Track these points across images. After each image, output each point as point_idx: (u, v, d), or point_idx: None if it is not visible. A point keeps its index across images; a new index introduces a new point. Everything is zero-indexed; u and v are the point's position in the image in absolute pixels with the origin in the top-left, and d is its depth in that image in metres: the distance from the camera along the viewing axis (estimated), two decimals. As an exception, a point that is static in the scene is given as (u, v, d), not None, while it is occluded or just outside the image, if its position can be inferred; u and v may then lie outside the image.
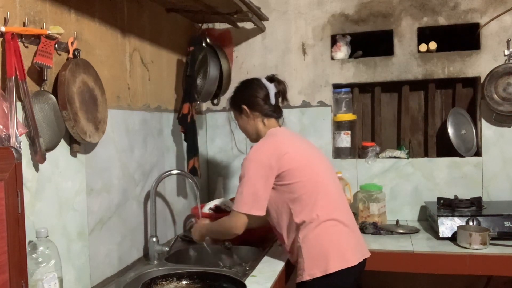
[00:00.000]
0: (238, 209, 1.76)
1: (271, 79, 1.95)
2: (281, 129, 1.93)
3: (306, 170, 1.79)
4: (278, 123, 1.95)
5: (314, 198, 1.76)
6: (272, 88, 1.92)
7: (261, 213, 1.77)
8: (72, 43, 1.52)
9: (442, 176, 2.56)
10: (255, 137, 1.95)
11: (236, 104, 1.96)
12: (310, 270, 1.72)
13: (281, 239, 1.86)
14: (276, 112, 1.93)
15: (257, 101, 1.90)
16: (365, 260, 1.83)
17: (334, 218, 1.77)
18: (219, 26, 2.77)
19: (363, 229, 2.32)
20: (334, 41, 2.70)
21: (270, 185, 1.77)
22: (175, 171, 2.09)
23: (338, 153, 2.70)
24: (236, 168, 2.82)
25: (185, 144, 2.35)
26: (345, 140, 2.67)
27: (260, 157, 1.77)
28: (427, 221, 2.50)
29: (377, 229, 2.34)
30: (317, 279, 1.71)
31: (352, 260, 1.75)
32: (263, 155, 1.77)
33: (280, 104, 1.98)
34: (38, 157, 1.37)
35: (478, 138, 2.56)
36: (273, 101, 1.92)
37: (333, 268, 1.70)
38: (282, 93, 1.96)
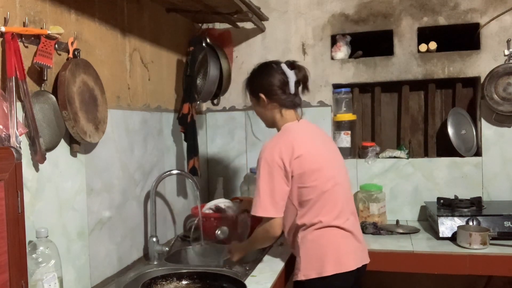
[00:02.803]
0: (257, 214, 1.73)
1: (292, 65, 1.83)
2: (298, 125, 1.83)
3: (316, 175, 1.73)
4: (296, 115, 1.86)
5: (320, 205, 1.73)
6: (292, 76, 1.80)
7: (279, 214, 1.74)
8: (72, 43, 1.52)
9: (442, 176, 2.56)
10: (270, 124, 1.89)
11: (253, 90, 1.87)
12: (305, 271, 1.72)
13: (284, 235, 1.87)
14: (295, 103, 1.83)
15: (275, 91, 1.80)
16: (364, 266, 1.81)
17: (336, 225, 1.74)
18: (219, 26, 2.77)
19: (363, 229, 2.31)
20: (334, 41, 2.70)
21: (286, 184, 1.73)
22: (175, 171, 2.09)
23: (338, 153, 2.70)
24: (236, 168, 2.83)
25: (185, 144, 2.35)
26: (345, 140, 2.67)
27: (273, 157, 1.72)
28: (427, 221, 2.50)
29: (377, 229, 2.34)
30: (312, 280, 1.71)
31: (349, 265, 1.72)
32: (276, 155, 1.72)
33: (301, 94, 1.87)
34: (38, 157, 1.37)
35: (478, 138, 2.56)
36: (292, 90, 1.80)
37: (328, 271, 1.69)
38: (302, 82, 1.83)
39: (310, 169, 1.73)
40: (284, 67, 1.81)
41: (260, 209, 1.72)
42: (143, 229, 2.06)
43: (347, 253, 1.74)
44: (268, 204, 1.72)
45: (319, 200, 1.73)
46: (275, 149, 1.73)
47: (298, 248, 1.76)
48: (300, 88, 1.86)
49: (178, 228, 2.40)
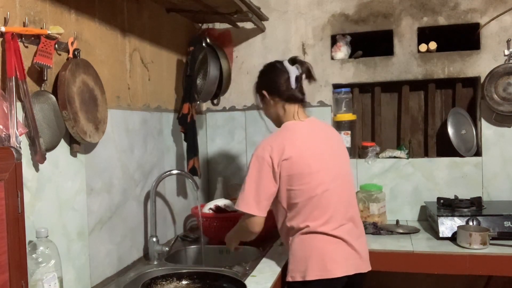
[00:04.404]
0: (239, 208, 1.74)
1: (293, 61, 1.85)
2: (298, 125, 1.82)
3: (306, 179, 1.71)
4: (301, 112, 1.84)
5: (308, 210, 1.72)
6: (293, 71, 1.81)
7: (261, 214, 1.73)
8: (72, 43, 1.52)
9: (442, 176, 2.56)
10: (278, 123, 1.89)
11: (258, 89, 1.91)
12: (292, 272, 1.73)
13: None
14: (296, 97, 1.83)
15: (276, 85, 1.83)
16: (360, 274, 1.77)
17: (323, 232, 1.71)
18: (219, 26, 2.77)
19: (363, 229, 2.32)
20: (334, 41, 2.70)
21: (273, 185, 1.72)
22: (175, 171, 2.09)
23: (338, 153, 2.70)
24: (236, 168, 2.83)
25: (185, 144, 2.35)
26: (345, 140, 2.67)
27: (264, 155, 1.72)
28: (427, 221, 2.50)
29: (377, 229, 2.34)
30: (297, 283, 1.71)
31: (335, 272, 1.69)
32: (267, 153, 1.72)
33: (308, 85, 1.88)
34: (38, 157, 1.37)
35: (478, 138, 2.56)
36: (293, 85, 1.81)
37: (312, 276, 1.68)
38: (306, 74, 1.84)
39: (299, 172, 1.71)
40: (286, 63, 1.84)
41: (243, 205, 1.73)
42: (143, 229, 2.06)
43: (333, 259, 1.70)
44: (252, 201, 1.72)
45: (307, 205, 1.72)
46: (266, 148, 1.74)
47: (289, 249, 1.77)
48: (305, 82, 1.87)
49: (178, 228, 2.40)
